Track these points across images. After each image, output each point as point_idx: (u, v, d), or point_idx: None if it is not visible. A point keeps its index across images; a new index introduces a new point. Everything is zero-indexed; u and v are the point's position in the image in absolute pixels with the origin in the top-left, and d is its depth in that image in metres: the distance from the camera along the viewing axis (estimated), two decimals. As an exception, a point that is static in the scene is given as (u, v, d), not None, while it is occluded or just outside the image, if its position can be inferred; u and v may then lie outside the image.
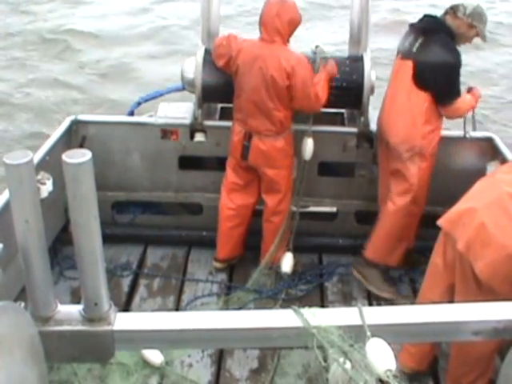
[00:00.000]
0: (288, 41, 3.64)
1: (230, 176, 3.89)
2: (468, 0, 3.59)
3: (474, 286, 2.77)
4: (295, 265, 4.04)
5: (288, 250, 4.03)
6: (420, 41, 3.55)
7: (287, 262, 3.99)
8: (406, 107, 3.61)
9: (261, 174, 3.82)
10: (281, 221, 3.93)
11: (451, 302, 2.89)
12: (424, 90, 3.54)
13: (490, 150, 3.90)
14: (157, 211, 4.48)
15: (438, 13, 3.69)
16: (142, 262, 4.17)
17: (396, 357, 1.51)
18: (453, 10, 3.56)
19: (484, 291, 2.72)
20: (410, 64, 3.57)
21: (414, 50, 3.56)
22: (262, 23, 3.58)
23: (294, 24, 3.58)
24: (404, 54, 3.65)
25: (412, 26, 3.70)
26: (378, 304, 3.85)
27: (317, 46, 3.79)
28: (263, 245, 4.03)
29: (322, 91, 3.58)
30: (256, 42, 3.63)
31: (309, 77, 3.56)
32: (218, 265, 4.08)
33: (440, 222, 2.95)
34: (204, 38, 3.97)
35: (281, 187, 3.83)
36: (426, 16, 3.69)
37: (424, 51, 3.54)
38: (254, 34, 3.74)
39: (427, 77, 3.52)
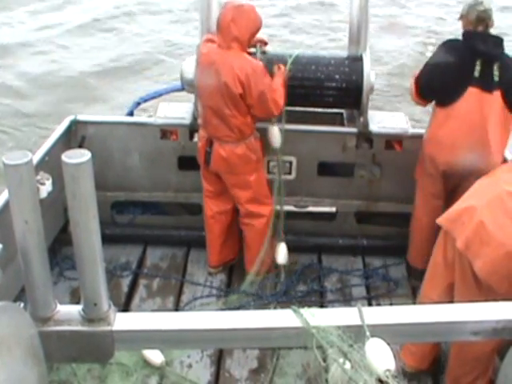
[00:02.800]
0: (248, 46, 3.56)
1: (204, 183, 3.88)
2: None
3: (474, 284, 2.77)
4: (294, 264, 4.05)
5: (282, 240, 3.98)
6: (496, 67, 3.39)
7: (281, 253, 3.95)
8: (498, 140, 3.48)
9: (224, 180, 3.79)
10: (262, 225, 3.87)
11: (452, 300, 2.90)
12: None
13: None
14: (156, 211, 4.48)
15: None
16: (141, 263, 4.17)
17: (395, 356, 1.51)
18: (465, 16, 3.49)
19: (483, 290, 2.73)
20: (496, 94, 3.38)
21: (496, 78, 3.39)
22: (218, 29, 3.49)
23: (251, 29, 3.48)
24: (485, 86, 3.39)
25: (471, 50, 3.43)
26: (378, 304, 3.86)
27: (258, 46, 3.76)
28: (246, 251, 4.00)
29: (279, 97, 3.53)
30: (213, 48, 3.54)
31: (265, 84, 3.48)
32: (211, 270, 4.09)
33: (440, 221, 2.96)
34: (203, 36, 3.96)
35: (246, 194, 3.77)
36: (469, 37, 3.47)
37: (506, 74, 3.39)
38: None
39: None
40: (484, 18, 3.43)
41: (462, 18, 3.53)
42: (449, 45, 3.58)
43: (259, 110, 3.53)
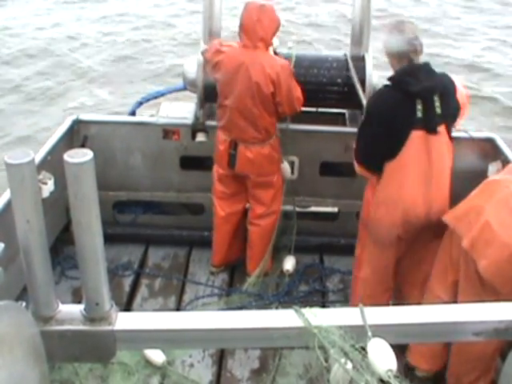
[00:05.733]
0: (270, 45, 3.59)
1: (218, 185, 3.86)
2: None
3: (478, 283, 2.78)
4: (296, 264, 4.06)
5: (289, 252, 4.07)
6: (436, 98, 2.98)
7: (289, 263, 4.03)
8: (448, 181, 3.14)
9: (248, 182, 3.79)
10: (269, 224, 3.90)
11: (456, 298, 2.90)
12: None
13: (492, 151, 3.90)
14: (158, 211, 4.48)
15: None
16: (143, 262, 4.17)
17: (397, 356, 1.50)
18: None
19: (487, 289, 2.73)
20: (442, 131, 3.03)
21: (438, 110, 2.99)
22: (244, 29, 3.50)
23: (275, 28, 3.52)
24: (429, 126, 2.99)
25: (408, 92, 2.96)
26: (380, 304, 3.86)
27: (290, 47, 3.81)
28: (249, 250, 4.01)
29: (300, 93, 3.59)
30: (238, 49, 3.55)
31: (292, 81, 3.54)
32: (213, 269, 4.10)
33: (446, 219, 2.96)
34: (206, 37, 3.96)
35: (268, 194, 3.81)
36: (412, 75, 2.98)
37: (447, 103, 3.02)
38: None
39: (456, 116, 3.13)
40: (410, 50, 2.96)
41: (387, 55, 3.04)
42: (381, 98, 3.11)
43: (287, 107, 3.56)
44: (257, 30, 3.45)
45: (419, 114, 2.95)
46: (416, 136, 2.97)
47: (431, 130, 2.98)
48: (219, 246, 4.03)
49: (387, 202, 3.12)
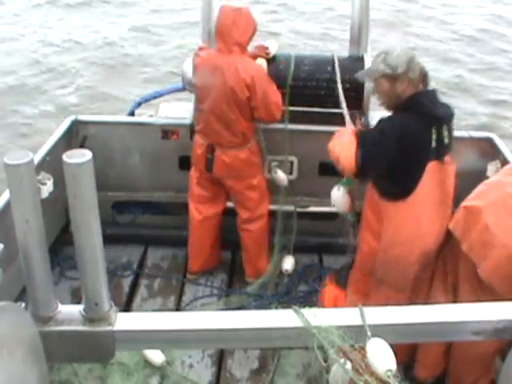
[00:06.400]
0: (246, 49, 3.54)
1: (196, 189, 3.80)
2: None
3: (478, 286, 2.78)
4: (295, 264, 4.06)
5: (288, 252, 4.05)
6: (444, 128, 2.84)
7: (289, 263, 4.02)
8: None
9: (227, 186, 3.76)
10: (259, 228, 3.87)
11: (456, 300, 2.90)
12: None
13: (490, 150, 3.90)
14: (157, 211, 4.47)
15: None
16: (142, 263, 4.17)
17: (396, 356, 1.51)
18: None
19: (486, 292, 2.72)
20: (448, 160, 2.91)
21: (446, 140, 2.86)
22: (219, 33, 3.45)
23: (251, 31, 3.46)
24: (441, 156, 2.86)
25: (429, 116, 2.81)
26: (379, 304, 3.85)
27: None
28: (246, 254, 3.98)
29: (279, 99, 3.54)
30: (213, 53, 3.51)
31: (269, 86, 3.49)
32: (191, 277, 4.01)
33: None
34: (204, 37, 3.96)
35: (251, 197, 3.77)
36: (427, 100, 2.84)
37: (452, 134, 2.91)
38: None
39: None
40: (427, 72, 2.86)
41: (398, 78, 2.80)
42: (406, 121, 2.81)
43: (263, 112, 3.51)
44: (232, 33, 3.39)
45: (433, 144, 2.80)
46: (431, 168, 2.81)
47: (442, 158, 2.85)
48: (197, 251, 3.96)
49: (404, 242, 2.91)
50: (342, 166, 2.85)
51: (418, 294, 3.06)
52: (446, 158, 2.88)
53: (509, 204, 2.72)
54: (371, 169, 2.87)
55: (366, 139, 2.86)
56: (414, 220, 2.88)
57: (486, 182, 3.02)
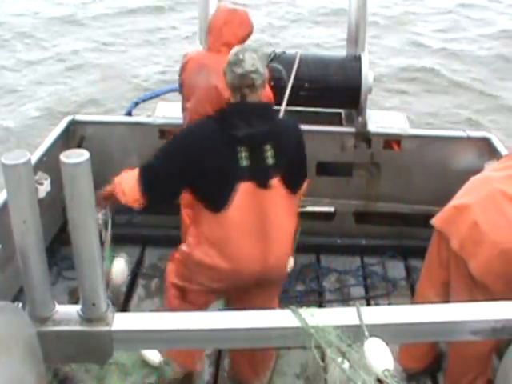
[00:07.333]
0: None
1: (185, 194, 3.72)
2: None
3: (470, 284, 2.78)
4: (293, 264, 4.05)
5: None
6: (268, 147, 2.56)
7: (289, 264, 4.01)
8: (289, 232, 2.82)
9: None
10: None
11: (447, 299, 2.90)
12: None
13: (488, 150, 3.91)
14: (155, 211, 4.47)
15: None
16: (140, 262, 4.17)
17: (394, 356, 1.51)
18: None
19: (479, 289, 2.73)
20: (275, 184, 2.60)
21: (270, 161, 2.57)
22: (209, 32, 3.42)
23: (245, 33, 3.39)
24: (259, 178, 2.57)
25: None
26: (376, 304, 3.86)
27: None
28: None
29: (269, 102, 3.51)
30: (203, 53, 3.48)
31: None
32: None
33: (433, 221, 2.96)
34: (202, 38, 3.96)
35: None
36: None
37: (282, 154, 2.63)
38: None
39: None
40: (244, 83, 2.51)
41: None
42: (198, 129, 2.65)
43: None
44: (222, 33, 3.34)
45: (244, 163, 2.50)
46: (243, 189, 2.51)
47: (262, 183, 2.54)
48: None
49: (209, 245, 2.64)
50: (127, 200, 2.60)
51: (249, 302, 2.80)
52: (274, 182, 2.57)
53: (498, 200, 2.72)
54: (158, 193, 2.60)
55: (146, 163, 2.63)
56: (221, 237, 2.59)
57: (473, 178, 3.00)
